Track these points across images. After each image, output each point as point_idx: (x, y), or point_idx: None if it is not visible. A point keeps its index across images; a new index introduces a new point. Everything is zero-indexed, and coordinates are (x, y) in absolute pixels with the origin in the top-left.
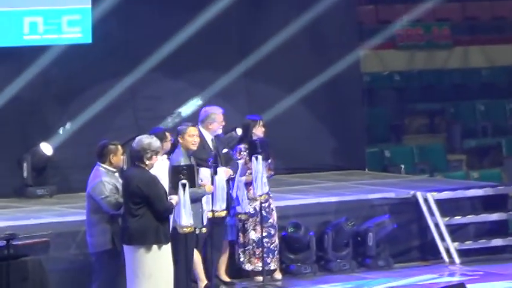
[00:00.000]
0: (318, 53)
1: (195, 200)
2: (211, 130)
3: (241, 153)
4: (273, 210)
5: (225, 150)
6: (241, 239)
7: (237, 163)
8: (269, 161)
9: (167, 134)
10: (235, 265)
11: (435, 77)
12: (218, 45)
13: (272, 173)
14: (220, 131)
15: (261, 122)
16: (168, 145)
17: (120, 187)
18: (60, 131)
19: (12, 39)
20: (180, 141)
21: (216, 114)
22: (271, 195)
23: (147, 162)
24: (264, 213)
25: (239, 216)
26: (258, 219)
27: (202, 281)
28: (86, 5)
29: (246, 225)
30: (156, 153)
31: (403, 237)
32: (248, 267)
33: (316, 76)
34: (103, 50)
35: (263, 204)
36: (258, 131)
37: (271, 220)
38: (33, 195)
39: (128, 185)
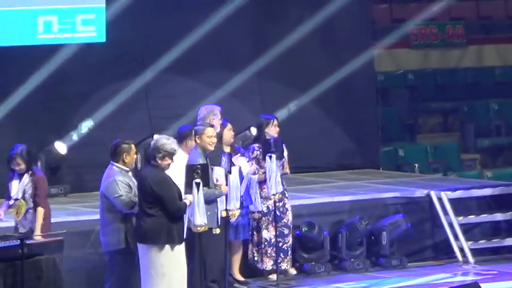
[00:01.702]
0: (332, 52)
1: (212, 201)
2: (214, 127)
3: (255, 152)
4: (287, 210)
5: None
6: (255, 238)
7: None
8: (283, 159)
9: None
10: (249, 264)
11: (449, 76)
12: (231, 45)
13: (287, 172)
14: (219, 129)
15: (274, 121)
16: (192, 143)
17: (133, 186)
18: (82, 128)
19: (26, 38)
20: (198, 141)
21: (216, 111)
22: (287, 195)
23: (159, 162)
24: (277, 212)
25: (253, 215)
26: (270, 219)
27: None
28: (100, 4)
29: (259, 224)
30: (170, 154)
31: (416, 236)
32: (260, 266)
33: (330, 75)
34: (117, 49)
35: (277, 204)
36: (271, 131)
37: (285, 220)
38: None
39: (142, 184)
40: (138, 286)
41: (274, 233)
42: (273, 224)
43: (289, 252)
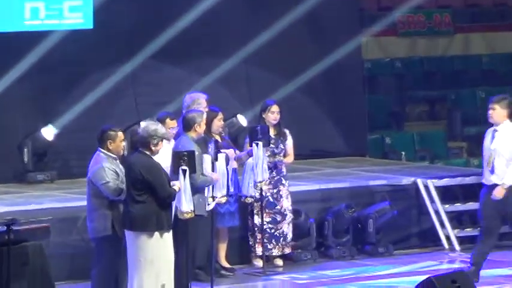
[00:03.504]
0: (319, 40)
1: (203, 188)
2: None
3: None
4: (281, 197)
5: None
6: (249, 223)
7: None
8: (281, 146)
9: (168, 119)
10: (235, 251)
11: (436, 64)
12: (218, 32)
13: (283, 159)
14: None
15: (272, 107)
16: (169, 131)
17: (120, 173)
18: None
19: (13, 25)
20: (197, 129)
21: (201, 99)
22: (283, 182)
23: (154, 148)
24: (271, 198)
25: (246, 200)
26: (263, 205)
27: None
28: None
29: (253, 209)
30: (162, 139)
31: (403, 224)
32: (254, 250)
33: (317, 63)
34: (104, 35)
35: (271, 190)
36: (269, 117)
37: (278, 206)
38: (33, 181)
39: (131, 171)
40: (124, 272)
41: (266, 219)
42: (265, 210)
43: (282, 239)
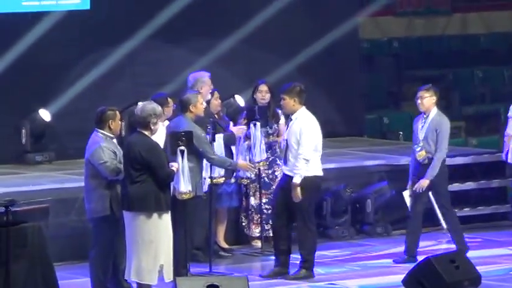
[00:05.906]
0: (317, 19)
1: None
2: (202, 94)
3: (245, 119)
4: (277, 177)
5: None
6: (243, 204)
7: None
8: (275, 126)
9: (169, 99)
10: (234, 231)
11: (434, 44)
12: (217, 11)
13: (277, 139)
14: (209, 96)
15: (259, 87)
16: (169, 111)
17: (118, 153)
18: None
19: (10, 6)
20: (192, 110)
21: (205, 78)
22: (278, 162)
23: (153, 127)
24: (266, 179)
25: (241, 180)
26: (258, 185)
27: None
28: None
29: (248, 190)
30: (159, 118)
31: (401, 204)
32: (248, 232)
33: (315, 42)
34: (101, 16)
35: (266, 171)
36: (257, 97)
37: (273, 187)
38: (32, 162)
39: (130, 152)
40: (122, 253)
41: (262, 200)
42: (259, 191)
43: None
